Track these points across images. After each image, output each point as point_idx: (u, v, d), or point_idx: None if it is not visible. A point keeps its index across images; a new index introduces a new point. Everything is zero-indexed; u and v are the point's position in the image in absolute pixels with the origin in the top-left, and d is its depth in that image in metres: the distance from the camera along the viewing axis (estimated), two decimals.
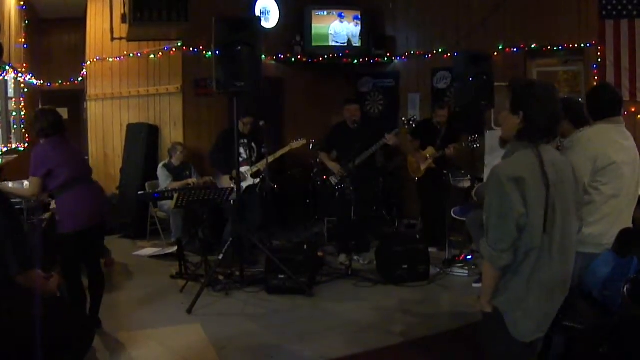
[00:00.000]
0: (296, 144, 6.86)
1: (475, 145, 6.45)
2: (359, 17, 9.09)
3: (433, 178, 6.99)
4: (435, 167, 6.98)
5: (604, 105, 3.55)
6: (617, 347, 2.89)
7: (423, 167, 7.06)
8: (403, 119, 6.68)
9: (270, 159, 6.51)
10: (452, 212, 6.46)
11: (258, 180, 6.72)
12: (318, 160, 7.49)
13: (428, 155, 7.03)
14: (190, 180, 7.50)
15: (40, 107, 9.93)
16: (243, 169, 6.41)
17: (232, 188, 5.99)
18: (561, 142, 3.79)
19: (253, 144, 6.84)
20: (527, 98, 2.44)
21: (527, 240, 2.34)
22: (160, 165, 7.66)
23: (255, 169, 6.71)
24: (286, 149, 6.83)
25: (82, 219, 4.33)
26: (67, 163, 4.31)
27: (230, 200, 6.19)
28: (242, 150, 6.56)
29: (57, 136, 4.34)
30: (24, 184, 5.25)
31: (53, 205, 5.13)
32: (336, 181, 6.72)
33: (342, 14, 9.07)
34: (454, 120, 7.16)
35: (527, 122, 2.42)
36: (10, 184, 5.23)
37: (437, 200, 6.94)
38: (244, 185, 6.34)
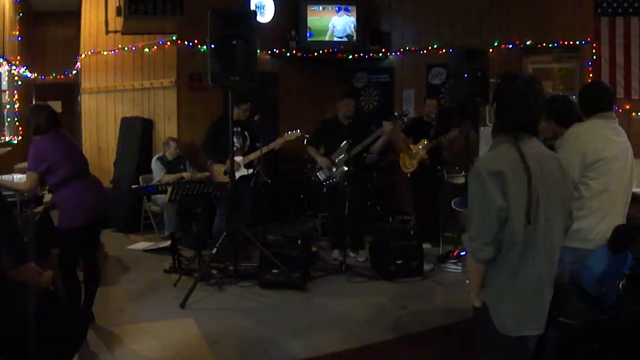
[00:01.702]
0: (290, 136, 6.78)
1: (470, 131, 6.46)
2: (351, 10, 9.07)
3: (427, 174, 6.99)
4: (429, 163, 6.98)
5: (595, 100, 3.57)
6: (613, 343, 2.90)
7: (415, 160, 7.04)
8: (396, 113, 6.66)
9: (265, 149, 6.48)
10: (452, 203, 6.46)
11: (251, 170, 6.69)
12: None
13: (420, 147, 7.02)
14: (184, 174, 7.49)
15: (34, 101, 9.96)
16: (236, 159, 6.36)
17: (227, 183, 5.96)
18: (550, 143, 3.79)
19: (246, 133, 6.79)
20: (503, 90, 2.44)
21: (509, 233, 2.34)
22: (155, 158, 7.66)
23: (247, 160, 6.68)
24: (280, 141, 6.76)
25: (84, 215, 4.31)
26: (66, 158, 4.28)
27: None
28: (234, 139, 6.49)
29: (52, 132, 4.30)
30: (14, 177, 5.21)
31: (46, 198, 5.11)
32: (325, 176, 6.68)
33: (340, 7, 9.04)
34: (445, 116, 7.16)
35: (499, 114, 2.42)
36: (10, 177, 5.19)
37: (431, 196, 6.93)
38: (237, 174, 6.31)
